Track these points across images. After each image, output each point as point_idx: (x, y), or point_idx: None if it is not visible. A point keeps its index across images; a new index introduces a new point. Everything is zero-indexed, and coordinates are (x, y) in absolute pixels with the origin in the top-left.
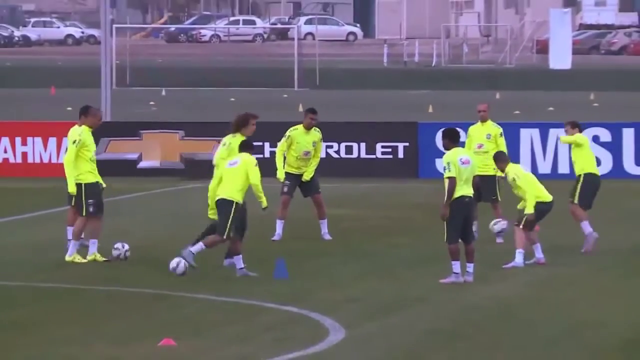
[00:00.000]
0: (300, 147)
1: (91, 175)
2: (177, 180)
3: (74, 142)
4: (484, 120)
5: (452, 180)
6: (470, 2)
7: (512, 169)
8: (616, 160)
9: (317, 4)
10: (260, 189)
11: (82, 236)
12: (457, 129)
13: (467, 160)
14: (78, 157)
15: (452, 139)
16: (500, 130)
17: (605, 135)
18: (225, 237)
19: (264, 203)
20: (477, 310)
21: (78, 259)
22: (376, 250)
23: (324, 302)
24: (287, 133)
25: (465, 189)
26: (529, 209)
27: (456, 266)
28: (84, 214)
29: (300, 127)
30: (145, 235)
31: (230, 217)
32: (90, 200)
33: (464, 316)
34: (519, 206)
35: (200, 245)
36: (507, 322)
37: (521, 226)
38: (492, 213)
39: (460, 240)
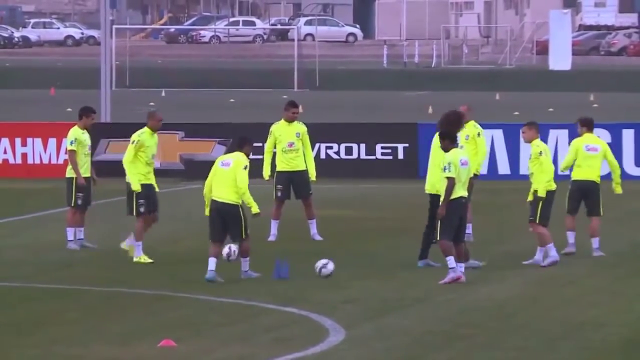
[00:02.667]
0: (283, 139)
1: (142, 177)
2: (176, 180)
3: (133, 142)
4: (466, 122)
5: (452, 181)
6: (470, 3)
7: (540, 144)
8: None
9: (316, 4)
10: (248, 194)
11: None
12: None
13: (466, 161)
14: (135, 158)
15: (453, 140)
16: (478, 130)
17: (605, 136)
18: (244, 237)
19: (255, 209)
20: (476, 311)
21: (144, 259)
22: (375, 251)
23: (324, 303)
24: (270, 129)
25: (462, 191)
26: (541, 192)
27: (451, 261)
28: (134, 214)
29: (281, 121)
30: (145, 236)
31: (242, 220)
32: (141, 201)
33: (463, 317)
34: (530, 198)
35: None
36: (506, 322)
37: (537, 221)
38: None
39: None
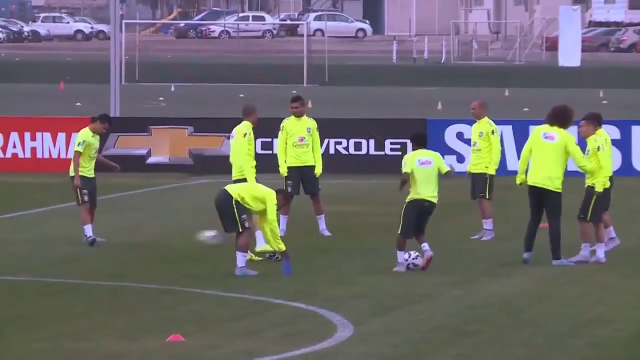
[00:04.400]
0: (295, 134)
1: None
2: (186, 176)
3: (245, 134)
4: (478, 118)
5: (405, 176)
6: None
7: (598, 137)
8: (625, 158)
9: (326, 0)
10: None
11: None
12: (424, 133)
13: (426, 161)
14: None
15: (416, 143)
16: (493, 128)
17: (614, 133)
18: (241, 231)
19: (282, 247)
20: (484, 307)
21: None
22: (384, 247)
23: (332, 299)
24: (282, 125)
25: (426, 192)
26: (599, 188)
27: (400, 256)
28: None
29: (291, 117)
30: (153, 231)
31: (235, 213)
32: None
33: (471, 313)
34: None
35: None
36: (514, 319)
37: (588, 218)
38: (479, 210)
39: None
